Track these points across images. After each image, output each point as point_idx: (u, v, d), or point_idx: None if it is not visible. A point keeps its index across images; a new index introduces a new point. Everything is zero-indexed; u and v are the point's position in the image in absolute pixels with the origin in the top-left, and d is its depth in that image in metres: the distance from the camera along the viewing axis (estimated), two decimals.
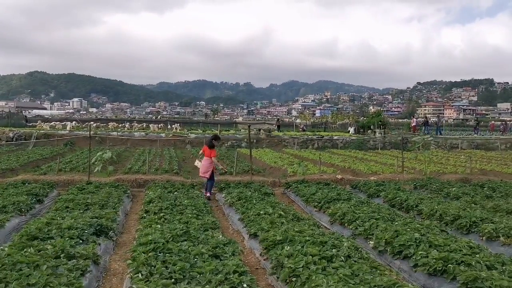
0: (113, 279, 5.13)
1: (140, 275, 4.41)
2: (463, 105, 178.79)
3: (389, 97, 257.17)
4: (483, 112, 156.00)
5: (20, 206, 7.88)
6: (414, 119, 34.55)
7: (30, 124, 35.47)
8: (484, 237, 6.41)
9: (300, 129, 37.03)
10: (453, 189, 10.65)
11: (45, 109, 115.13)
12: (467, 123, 57.58)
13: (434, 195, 10.31)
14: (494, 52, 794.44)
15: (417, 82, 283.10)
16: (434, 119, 47.61)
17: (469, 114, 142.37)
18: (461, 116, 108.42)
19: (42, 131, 26.45)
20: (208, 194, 10.54)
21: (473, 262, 4.74)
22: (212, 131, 35.12)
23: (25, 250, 4.95)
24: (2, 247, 5.15)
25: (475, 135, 34.99)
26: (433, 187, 11.25)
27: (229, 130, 37.06)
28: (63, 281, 4.11)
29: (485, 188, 11.09)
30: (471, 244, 5.52)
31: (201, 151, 11.31)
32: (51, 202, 9.29)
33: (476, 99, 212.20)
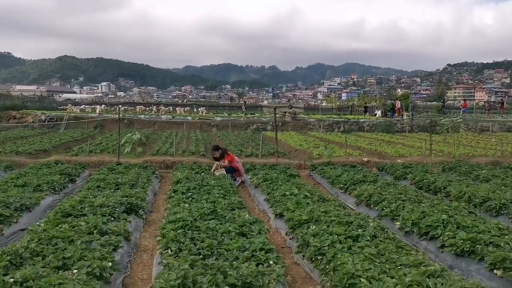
0: (143, 255, 5.30)
1: (169, 251, 4.54)
2: (495, 87, 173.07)
3: (418, 79, 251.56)
4: None
5: (54, 185, 8.19)
6: (398, 102, 34.88)
7: (61, 107, 36.36)
8: None
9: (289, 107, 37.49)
10: (483, 171, 10.41)
11: (74, 93, 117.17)
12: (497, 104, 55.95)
13: (463, 177, 10.11)
14: None
15: (447, 64, 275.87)
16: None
17: (500, 96, 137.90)
18: (492, 99, 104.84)
19: (73, 114, 27.12)
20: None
21: (502, 243, 4.66)
22: (238, 114, 35.32)
23: (60, 226, 5.15)
24: (38, 223, 5.40)
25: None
26: (462, 169, 11.02)
27: (254, 114, 37.17)
28: (96, 255, 4.26)
29: None
30: (500, 225, 5.42)
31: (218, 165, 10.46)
32: (83, 182, 9.59)
33: (508, 81, 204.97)
